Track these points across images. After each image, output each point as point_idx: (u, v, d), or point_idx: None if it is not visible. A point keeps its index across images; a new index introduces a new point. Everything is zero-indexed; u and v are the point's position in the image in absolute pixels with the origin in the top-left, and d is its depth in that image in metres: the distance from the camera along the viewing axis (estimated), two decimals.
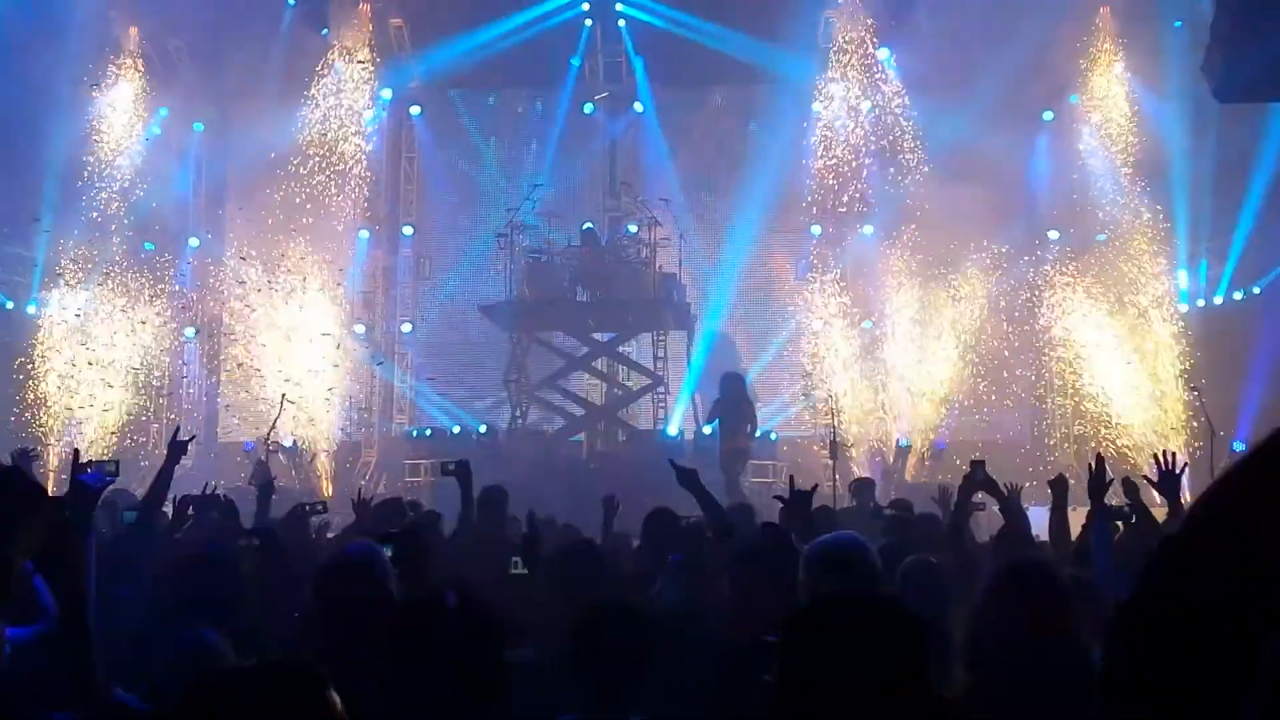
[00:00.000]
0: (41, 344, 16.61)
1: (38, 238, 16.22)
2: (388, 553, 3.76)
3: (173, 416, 16.76)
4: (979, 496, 6.37)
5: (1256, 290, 15.87)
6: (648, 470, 12.92)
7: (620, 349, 16.64)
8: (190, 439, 6.28)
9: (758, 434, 14.28)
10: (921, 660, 2.04)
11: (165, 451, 5.91)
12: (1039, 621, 3.19)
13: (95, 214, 16.59)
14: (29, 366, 16.39)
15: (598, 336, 16.34)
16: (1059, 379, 17.42)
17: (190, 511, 6.15)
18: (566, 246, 15.77)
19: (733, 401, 13.64)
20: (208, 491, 6.77)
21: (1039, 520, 6.48)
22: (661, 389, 15.91)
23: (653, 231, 15.56)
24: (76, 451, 5.13)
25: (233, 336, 17.47)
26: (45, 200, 15.98)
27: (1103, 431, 16.51)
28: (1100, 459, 5.33)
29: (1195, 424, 15.18)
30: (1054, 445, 17.27)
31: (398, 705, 2.56)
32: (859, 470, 15.47)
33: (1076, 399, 17.16)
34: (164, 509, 6.01)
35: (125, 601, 4.69)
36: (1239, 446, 14.77)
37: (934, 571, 4.50)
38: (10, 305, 16.68)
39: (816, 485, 5.49)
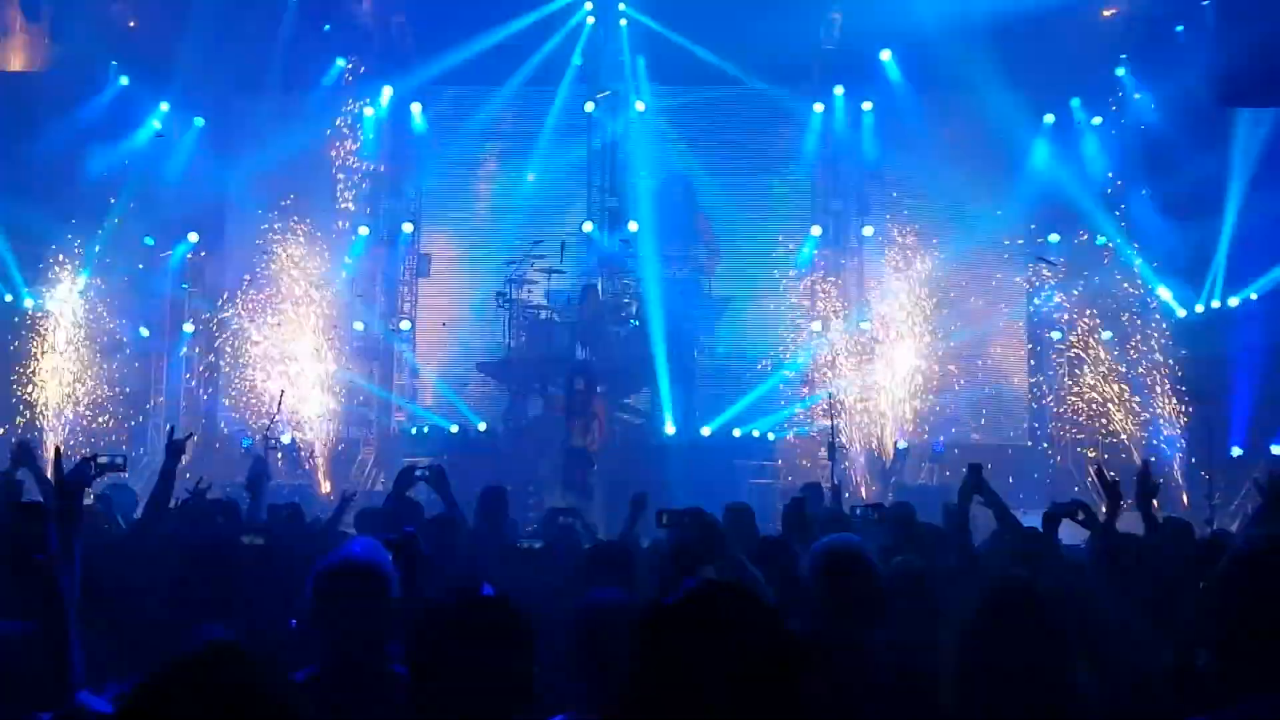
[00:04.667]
0: (38, 335, 16.57)
1: (35, 230, 16.15)
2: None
3: (164, 405, 16.75)
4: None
5: (1254, 296, 15.87)
6: (643, 467, 13.01)
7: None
8: (188, 437, 6.24)
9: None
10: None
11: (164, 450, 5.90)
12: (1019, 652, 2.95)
13: (94, 207, 16.54)
14: (25, 358, 16.36)
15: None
16: (1055, 382, 17.43)
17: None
18: (566, 303, 15.75)
19: (580, 399, 13.67)
20: (200, 488, 6.71)
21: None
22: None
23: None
24: (58, 449, 5.10)
25: (230, 332, 17.41)
26: (42, 193, 15.89)
27: (1098, 435, 16.58)
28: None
29: (1187, 427, 15.35)
30: (1049, 448, 17.31)
31: (428, 700, 2.55)
32: (856, 472, 15.50)
33: (1073, 402, 17.17)
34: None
35: (129, 600, 4.70)
36: (1236, 451, 14.84)
37: (923, 576, 4.48)
38: (9, 298, 16.63)
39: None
